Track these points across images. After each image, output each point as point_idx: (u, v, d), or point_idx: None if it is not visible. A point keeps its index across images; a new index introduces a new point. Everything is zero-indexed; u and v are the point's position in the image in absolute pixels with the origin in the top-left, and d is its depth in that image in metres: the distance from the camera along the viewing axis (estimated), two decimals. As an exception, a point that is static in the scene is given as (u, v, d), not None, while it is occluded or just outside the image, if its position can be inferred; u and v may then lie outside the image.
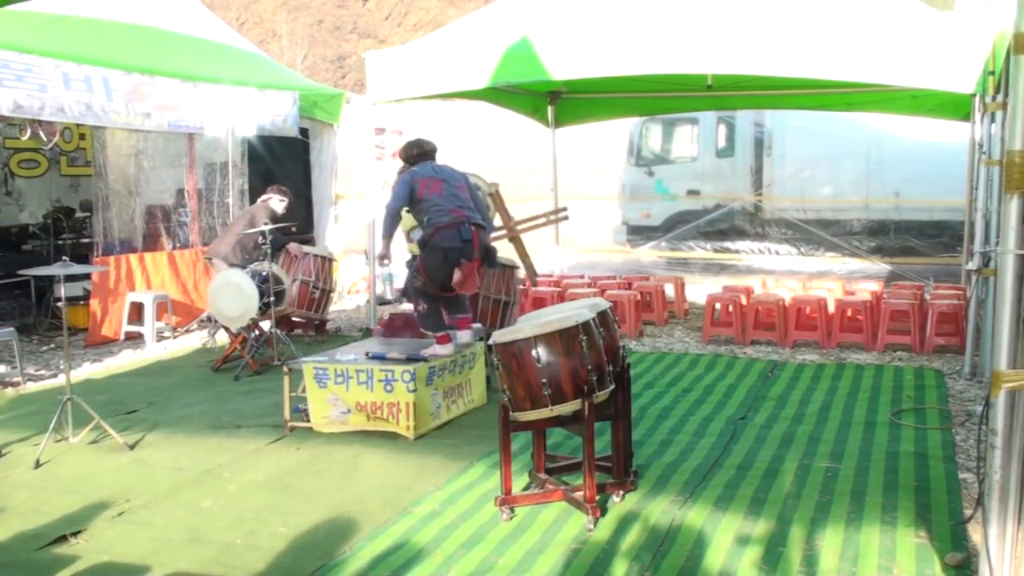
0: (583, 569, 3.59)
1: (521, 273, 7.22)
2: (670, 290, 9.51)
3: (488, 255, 5.99)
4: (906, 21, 6.89)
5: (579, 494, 4.07)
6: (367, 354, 5.73)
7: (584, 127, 11.47)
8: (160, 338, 8.60)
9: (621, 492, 4.29)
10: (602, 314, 4.18)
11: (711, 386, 6.49)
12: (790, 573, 3.52)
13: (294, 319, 8.41)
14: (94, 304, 8.37)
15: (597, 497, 4.01)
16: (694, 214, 13.14)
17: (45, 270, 5.42)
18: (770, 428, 5.48)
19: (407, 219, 6.43)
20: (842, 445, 5.10)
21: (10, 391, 6.74)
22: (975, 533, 3.74)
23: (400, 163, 6.27)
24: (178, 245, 9.43)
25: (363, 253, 10.17)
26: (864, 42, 6.76)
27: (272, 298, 7.23)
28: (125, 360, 7.87)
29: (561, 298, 8.57)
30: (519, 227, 8.06)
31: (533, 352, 3.96)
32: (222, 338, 8.10)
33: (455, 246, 5.75)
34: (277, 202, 8.16)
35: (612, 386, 4.13)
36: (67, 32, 7.59)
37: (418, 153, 6.04)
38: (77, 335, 8.47)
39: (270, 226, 7.57)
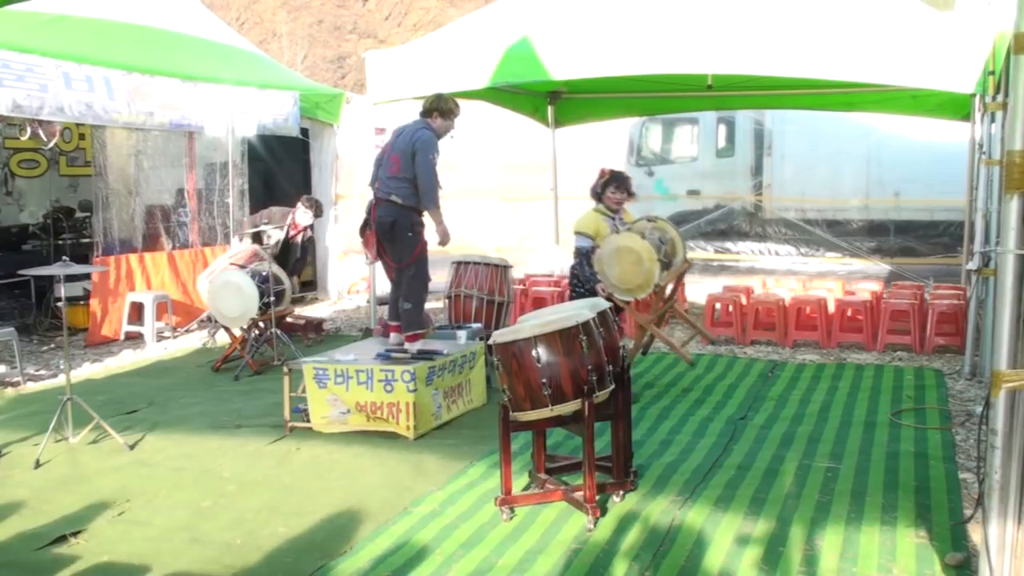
0: (583, 569, 3.59)
1: (514, 273, 7.10)
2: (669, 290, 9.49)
3: (389, 228, 5.85)
4: (906, 21, 6.89)
5: (579, 494, 4.07)
6: (379, 354, 5.74)
7: (584, 127, 11.46)
8: (160, 338, 8.60)
9: (621, 492, 4.29)
10: (602, 314, 4.18)
11: (711, 386, 6.49)
12: (790, 573, 3.52)
13: (289, 320, 8.39)
14: (94, 304, 8.37)
15: (597, 497, 4.00)
16: (694, 214, 13.14)
17: (45, 270, 5.41)
18: (770, 428, 5.48)
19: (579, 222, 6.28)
20: (842, 445, 5.10)
21: (10, 391, 6.74)
22: (975, 533, 3.73)
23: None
24: (178, 245, 9.43)
25: (363, 253, 10.15)
26: (864, 42, 6.76)
27: (272, 298, 7.24)
28: (125, 360, 7.87)
29: (561, 298, 8.57)
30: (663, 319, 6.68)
31: (533, 352, 3.96)
32: (222, 338, 8.10)
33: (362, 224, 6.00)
34: (302, 213, 8.05)
35: (612, 386, 4.13)
36: (67, 32, 7.60)
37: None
38: (77, 335, 8.47)
39: (270, 226, 7.56)
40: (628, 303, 6.09)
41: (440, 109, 5.90)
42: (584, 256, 6.16)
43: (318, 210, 8.18)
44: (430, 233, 5.99)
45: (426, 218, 6.00)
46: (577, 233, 6.25)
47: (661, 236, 6.06)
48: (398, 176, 5.80)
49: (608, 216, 6.23)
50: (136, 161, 9.07)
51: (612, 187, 6.21)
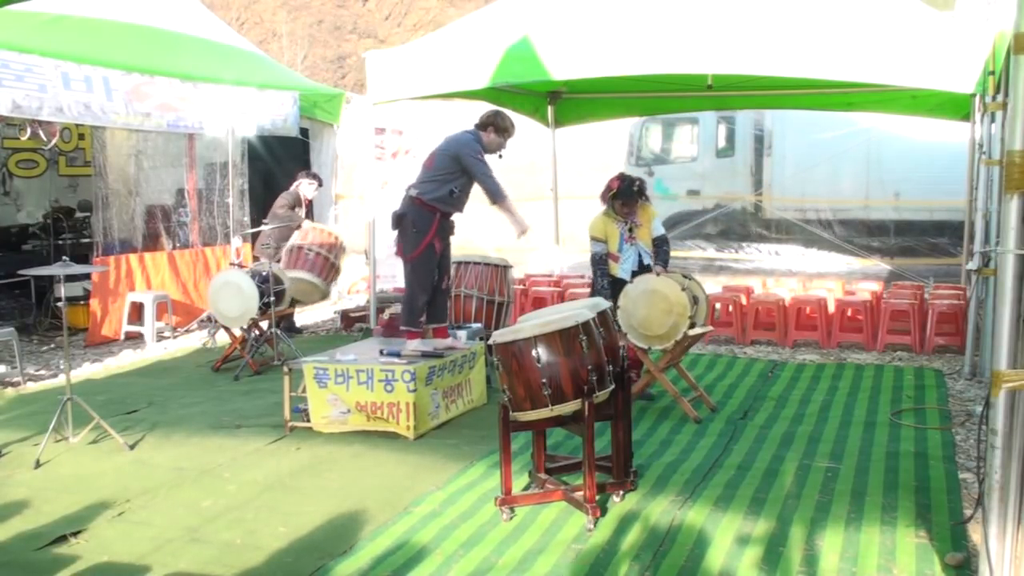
0: (583, 569, 3.59)
1: (514, 273, 7.08)
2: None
3: (398, 221, 5.94)
4: (906, 21, 6.89)
5: (579, 494, 4.07)
6: (381, 351, 5.75)
7: (584, 127, 11.46)
8: (160, 338, 8.60)
9: (621, 492, 4.29)
10: (602, 314, 4.18)
11: (711, 386, 6.49)
12: (790, 573, 3.52)
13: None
14: (94, 304, 8.37)
15: (597, 497, 4.00)
16: (694, 214, 13.14)
17: (45, 270, 5.41)
18: (770, 428, 5.48)
19: (590, 226, 6.06)
20: (842, 445, 5.10)
21: (10, 391, 6.74)
22: (975, 533, 3.74)
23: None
24: (178, 245, 9.43)
25: (363, 253, 10.16)
26: (864, 42, 6.75)
27: (272, 298, 7.23)
28: (125, 360, 7.87)
29: (561, 298, 8.58)
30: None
31: (533, 352, 3.96)
32: (222, 338, 8.10)
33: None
34: (307, 186, 8.40)
35: (612, 386, 4.13)
36: (67, 32, 7.59)
37: None
38: (77, 335, 8.47)
39: (271, 226, 7.56)
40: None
41: (496, 125, 5.88)
42: (596, 263, 5.93)
43: (320, 181, 8.67)
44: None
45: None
46: (591, 239, 6.02)
47: (695, 295, 5.74)
48: (428, 172, 5.88)
49: (619, 220, 5.98)
50: (136, 161, 9.08)
51: (618, 203, 5.92)
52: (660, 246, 6.03)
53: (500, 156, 6.02)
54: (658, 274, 5.78)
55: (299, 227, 8.36)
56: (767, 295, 8.61)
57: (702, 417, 5.68)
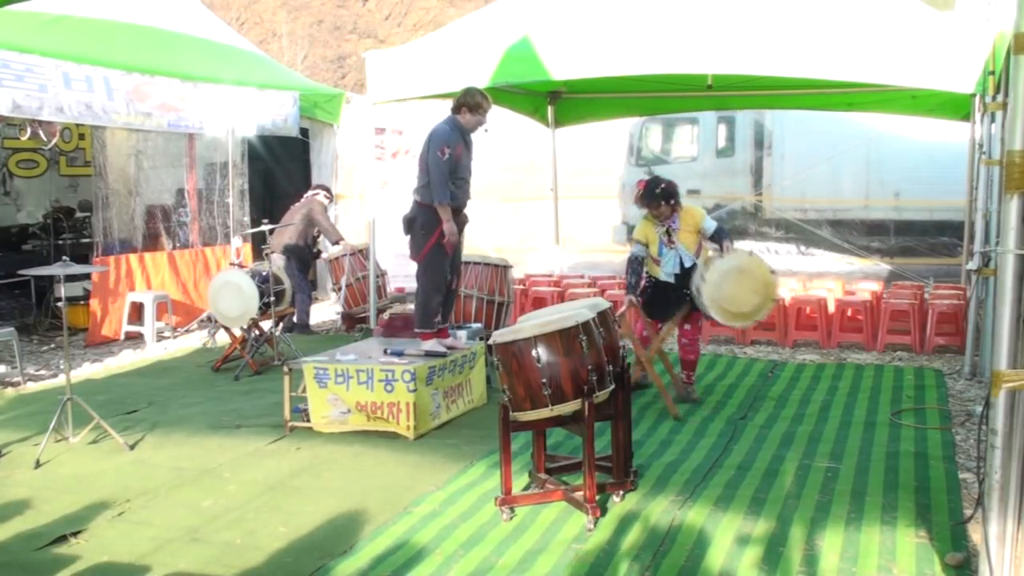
0: (583, 569, 3.59)
1: (514, 273, 7.09)
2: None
3: (408, 225, 5.95)
4: (906, 21, 6.89)
5: (579, 494, 4.07)
6: (385, 351, 5.75)
7: (584, 127, 11.46)
8: (160, 338, 8.60)
9: (621, 492, 4.29)
10: (602, 314, 4.18)
11: (711, 386, 6.49)
12: (790, 573, 3.52)
13: (357, 316, 8.98)
14: (94, 304, 8.37)
15: (597, 497, 4.01)
16: (694, 214, 13.12)
17: (45, 270, 5.41)
18: (770, 428, 5.48)
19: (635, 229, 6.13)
20: (842, 445, 5.10)
21: (10, 391, 6.74)
22: (975, 533, 3.74)
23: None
24: (178, 245, 9.43)
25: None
26: (864, 42, 6.76)
27: (272, 298, 7.24)
28: (125, 360, 7.87)
29: (561, 298, 8.57)
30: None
31: (533, 352, 3.96)
32: (222, 338, 8.10)
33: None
34: (323, 198, 8.77)
35: (612, 386, 4.13)
36: (67, 32, 7.60)
37: None
38: (77, 335, 8.47)
39: (270, 226, 7.57)
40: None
41: (468, 104, 5.85)
42: (630, 262, 6.04)
43: (331, 197, 9.02)
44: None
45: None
46: (633, 240, 6.15)
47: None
48: (422, 175, 5.87)
49: (658, 224, 6.00)
50: (136, 161, 9.08)
51: (643, 206, 5.99)
52: (720, 233, 6.04)
53: (486, 131, 5.99)
54: (725, 250, 5.85)
55: (336, 242, 8.65)
56: (767, 295, 8.59)
57: (682, 415, 5.69)
